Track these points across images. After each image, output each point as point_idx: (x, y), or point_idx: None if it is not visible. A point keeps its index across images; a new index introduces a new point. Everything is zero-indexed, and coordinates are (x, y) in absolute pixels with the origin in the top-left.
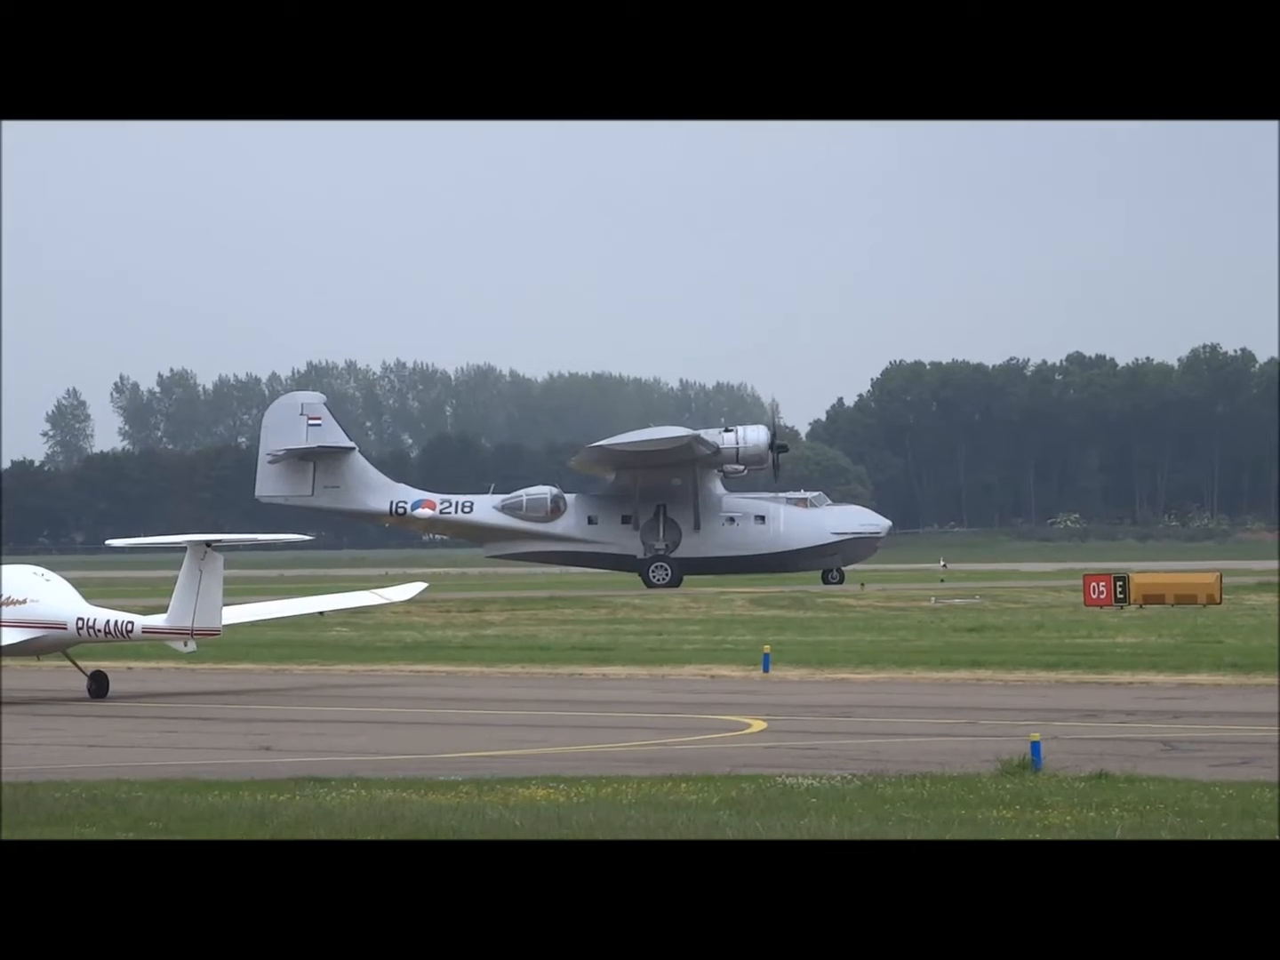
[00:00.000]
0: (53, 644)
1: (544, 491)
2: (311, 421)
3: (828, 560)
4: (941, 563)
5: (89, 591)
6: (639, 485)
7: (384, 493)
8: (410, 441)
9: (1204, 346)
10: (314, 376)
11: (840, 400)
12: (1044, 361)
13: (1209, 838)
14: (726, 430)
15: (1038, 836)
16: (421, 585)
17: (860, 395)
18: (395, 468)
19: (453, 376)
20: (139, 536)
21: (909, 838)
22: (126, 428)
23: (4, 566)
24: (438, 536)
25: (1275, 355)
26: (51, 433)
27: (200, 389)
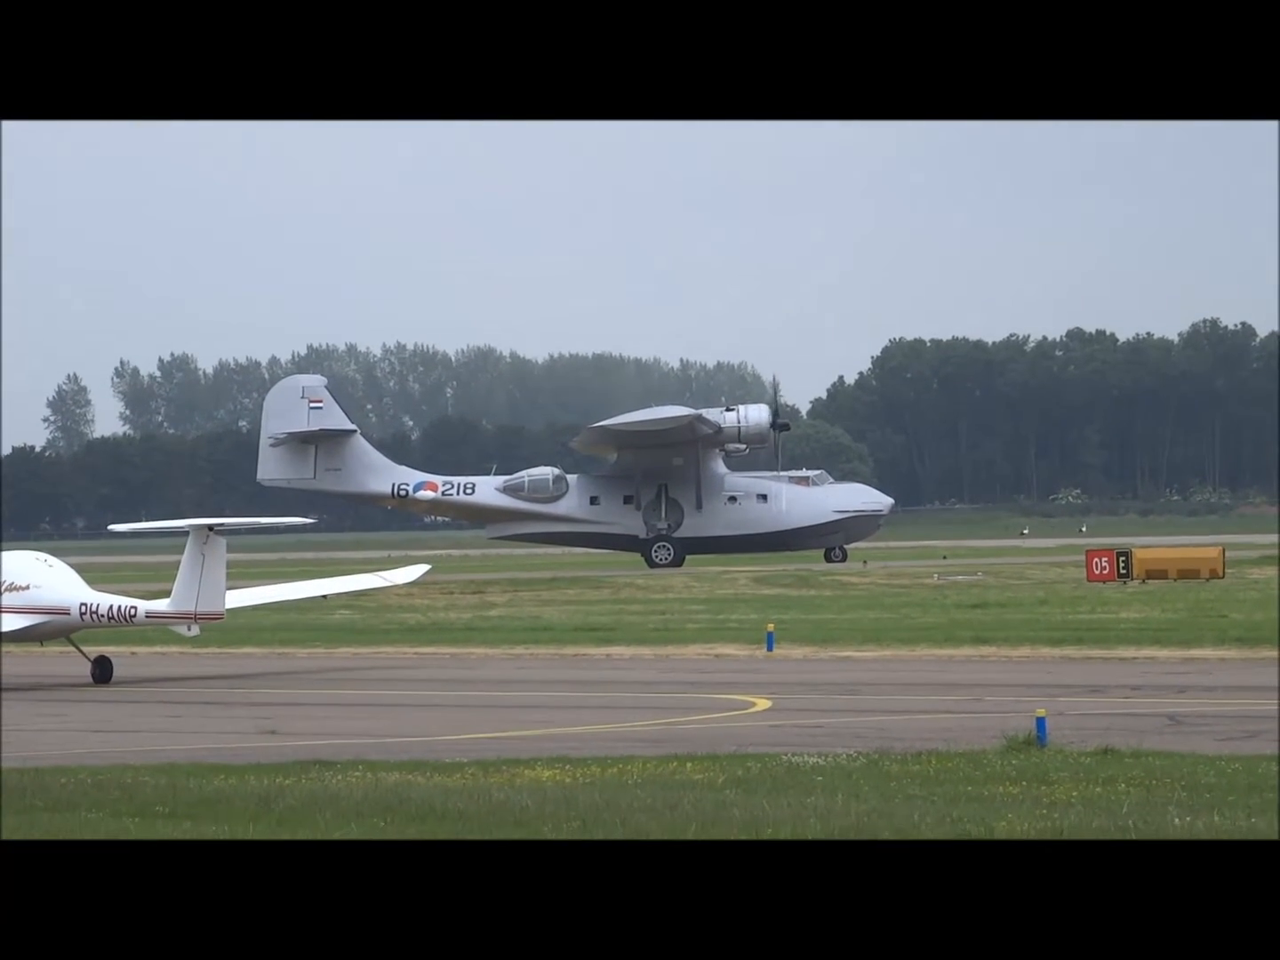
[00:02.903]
0: (56, 630)
1: (546, 472)
2: (313, 404)
3: (830, 539)
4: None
5: (91, 577)
6: (641, 465)
7: (386, 475)
8: (411, 424)
9: (1204, 321)
10: (314, 359)
11: (841, 378)
12: (1044, 337)
13: (1215, 818)
14: (728, 409)
15: (1044, 812)
16: (424, 567)
17: (861, 373)
18: (396, 450)
19: (453, 358)
20: (141, 521)
21: (915, 817)
22: (127, 412)
23: (6, 553)
24: (440, 518)
25: (1275, 329)
26: (52, 418)
27: (201, 373)
